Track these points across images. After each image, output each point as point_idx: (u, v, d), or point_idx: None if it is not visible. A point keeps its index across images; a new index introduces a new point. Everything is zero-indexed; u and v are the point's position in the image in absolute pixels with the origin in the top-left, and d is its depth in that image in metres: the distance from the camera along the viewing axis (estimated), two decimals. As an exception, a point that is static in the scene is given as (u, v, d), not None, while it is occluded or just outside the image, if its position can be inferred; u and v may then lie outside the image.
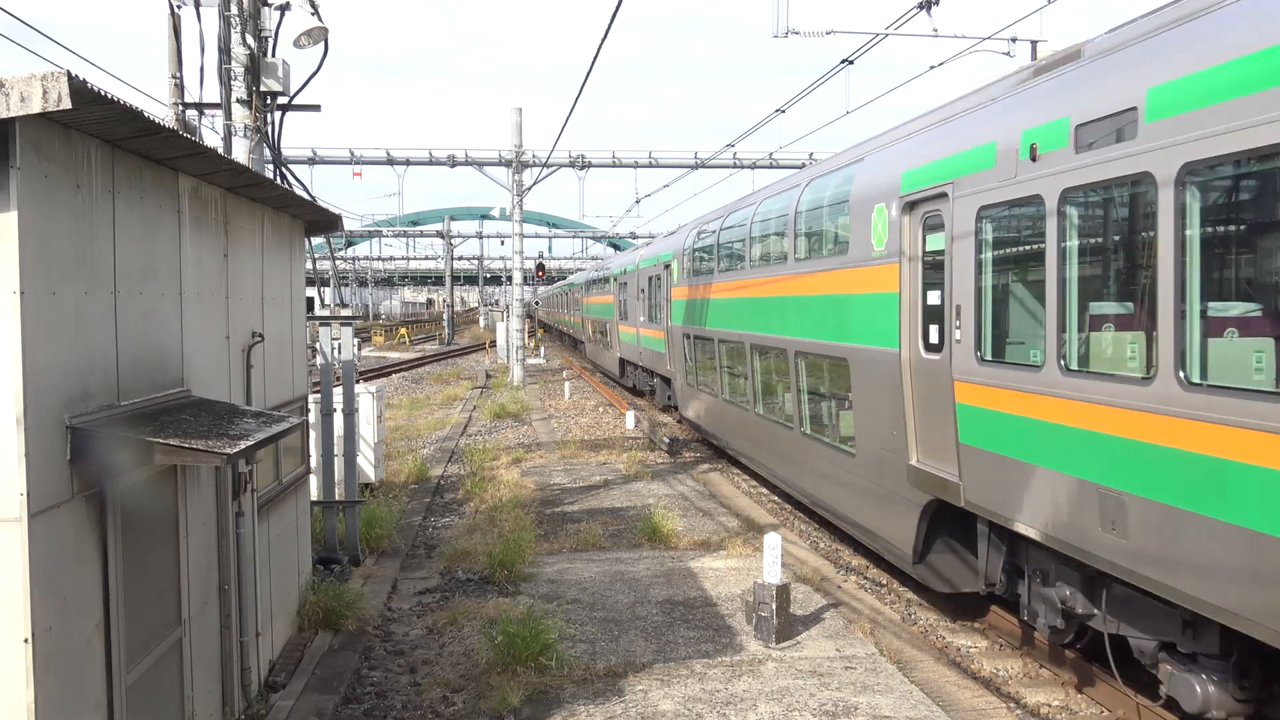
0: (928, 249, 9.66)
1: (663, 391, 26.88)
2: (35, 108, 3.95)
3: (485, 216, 78.49)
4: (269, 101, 10.56)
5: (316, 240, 11.31)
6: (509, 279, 43.29)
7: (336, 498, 11.91)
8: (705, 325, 18.99)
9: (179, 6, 10.67)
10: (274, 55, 10.51)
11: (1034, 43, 18.06)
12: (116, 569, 5.03)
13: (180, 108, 11.00)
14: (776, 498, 16.42)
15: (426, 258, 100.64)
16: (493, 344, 54.75)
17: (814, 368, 13.01)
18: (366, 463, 15.07)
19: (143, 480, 5.43)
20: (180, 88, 10.97)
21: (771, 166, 38.00)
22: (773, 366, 14.95)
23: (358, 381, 12.97)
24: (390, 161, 38.28)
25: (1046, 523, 7.56)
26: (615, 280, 33.76)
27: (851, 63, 16.08)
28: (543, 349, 56.48)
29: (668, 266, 23.10)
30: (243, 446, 5.23)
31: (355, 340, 12.08)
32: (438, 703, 7.97)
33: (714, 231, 18.78)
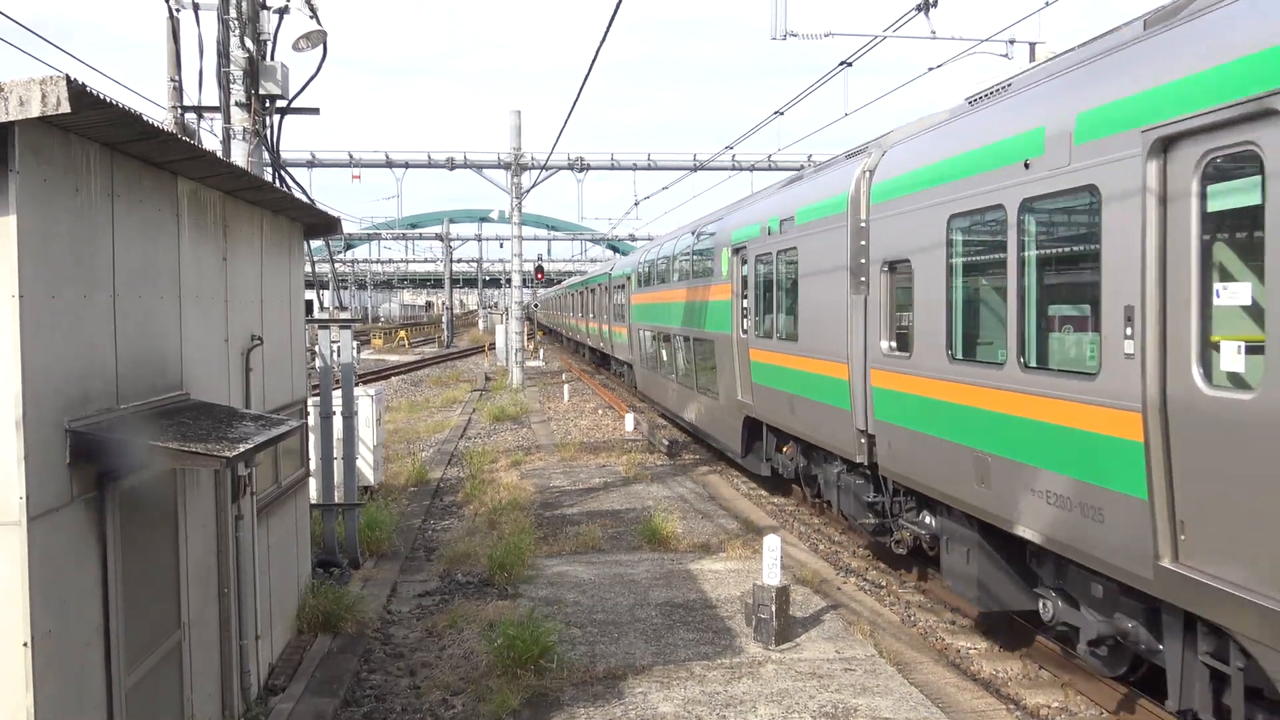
0: None
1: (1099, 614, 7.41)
2: (34, 111, 3.95)
3: (484, 219, 78.48)
4: (268, 104, 10.57)
5: (315, 243, 11.30)
6: (508, 281, 43.27)
7: (336, 500, 11.92)
8: None
9: (178, 10, 10.68)
10: (273, 58, 10.52)
11: (1032, 44, 18.10)
12: (116, 572, 5.03)
13: (179, 111, 11.01)
14: (776, 500, 16.40)
15: (425, 260, 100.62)
16: (492, 347, 54.74)
17: None
18: (366, 465, 15.07)
19: (142, 483, 5.43)
20: (179, 91, 10.99)
21: (770, 169, 38.01)
22: None
23: (357, 384, 12.98)
24: (389, 164, 38.26)
25: None
26: (737, 255, 16.08)
27: (850, 65, 16.09)
28: (541, 351, 56.49)
29: (1125, 195, 6.27)
30: (242, 449, 5.23)
31: (354, 343, 12.09)
32: (437, 706, 7.96)
33: None
